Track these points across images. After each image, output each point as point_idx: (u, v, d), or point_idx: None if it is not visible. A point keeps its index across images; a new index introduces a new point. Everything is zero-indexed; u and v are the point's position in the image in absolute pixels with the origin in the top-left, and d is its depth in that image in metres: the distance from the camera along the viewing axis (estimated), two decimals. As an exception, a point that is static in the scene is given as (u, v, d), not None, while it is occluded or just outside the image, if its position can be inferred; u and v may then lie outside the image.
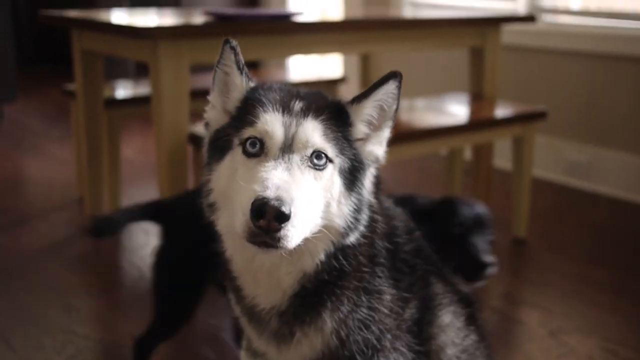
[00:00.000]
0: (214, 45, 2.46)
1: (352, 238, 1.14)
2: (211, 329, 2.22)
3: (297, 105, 1.12)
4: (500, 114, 2.87)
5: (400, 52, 4.44)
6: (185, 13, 2.96)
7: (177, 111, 2.32)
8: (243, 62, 1.20)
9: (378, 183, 1.24)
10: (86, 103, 2.87)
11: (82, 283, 2.58)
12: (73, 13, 2.87)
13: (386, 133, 1.22)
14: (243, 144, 1.10)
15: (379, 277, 1.20)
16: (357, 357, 1.19)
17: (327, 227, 1.11)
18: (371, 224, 1.19)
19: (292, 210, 0.99)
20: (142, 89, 3.30)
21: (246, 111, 1.14)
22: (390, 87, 1.19)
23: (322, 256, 1.14)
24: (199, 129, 2.40)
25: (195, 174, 2.45)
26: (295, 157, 1.07)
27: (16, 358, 2.03)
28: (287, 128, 1.09)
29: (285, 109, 1.11)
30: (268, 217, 0.98)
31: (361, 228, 1.15)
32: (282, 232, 0.99)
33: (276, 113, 1.10)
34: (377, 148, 1.21)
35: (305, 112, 1.11)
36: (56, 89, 4.38)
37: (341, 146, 1.14)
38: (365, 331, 1.18)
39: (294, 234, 1.01)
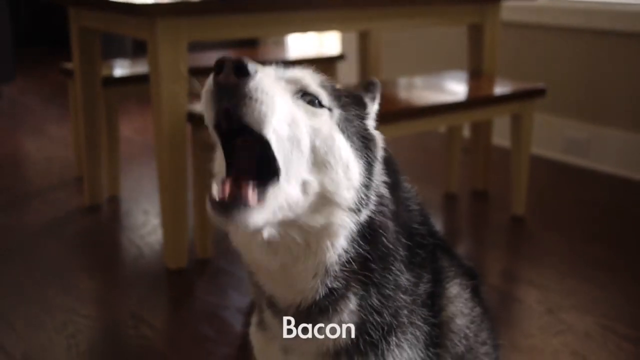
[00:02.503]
0: (213, 22, 2.46)
1: (364, 215, 1.08)
2: (210, 306, 2.23)
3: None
4: (499, 92, 2.86)
5: (399, 30, 4.41)
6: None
7: (176, 90, 2.31)
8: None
9: (393, 164, 1.22)
10: (84, 82, 2.86)
11: (82, 262, 2.59)
12: (69, -9, 2.85)
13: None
14: None
15: (396, 270, 1.17)
16: (375, 334, 1.16)
17: (333, 195, 1.03)
18: (381, 217, 1.14)
19: (256, 70, 0.91)
20: (140, 67, 3.28)
21: None
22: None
23: (342, 241, 1.06)
24: (198, 107, 2.39)
25: (193, 153, 2.45)
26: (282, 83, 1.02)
27: (17, 337, 2.04)
28: (277, 73, 1.05)
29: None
30: (227, 70, 0.89)
31: (371, 205, 1.09)
32: (243, 90, 0.90)
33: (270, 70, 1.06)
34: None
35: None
36: (54, 68, 4.36)
37: (344, 104, 1.09)
38: (383, 314, 1.15)
39: (259, 98, 0.90)
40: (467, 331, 1.28)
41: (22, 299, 2.27)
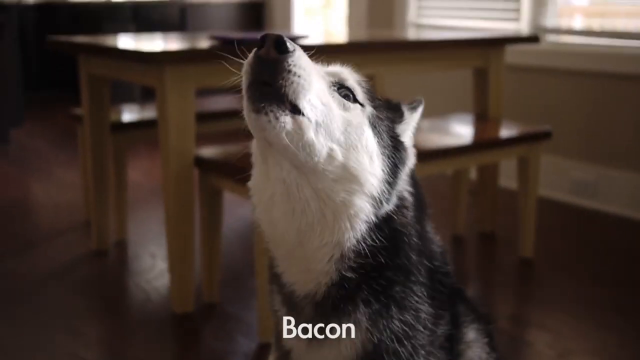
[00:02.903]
0: (220, 69, 2.49)
1: (384, 210, 1.10)
2: (217, 352, 2.21)
3: None
4: (505, 135, 2.87)
5: (404, 74, 4.45)
6: (190, 37, 2.99)
7: (183, 135, 2.33)
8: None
9: (422, 203, 1.23)
10: (93, 127, 2.89)
11: (89, 307, 2.58)
12: (80, 39, 2.90)
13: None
14: None
15: (418, 295, 1.17)
16: None
17: (357, 172, 1.05)
18: (402, 228, 1.14)
19: (294, 48, 0.97)
20: (148, 112, 3.32)
21: None
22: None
23: (361, 225, 1.07)
24: (205, 152, 2.41)
25: (200, 197, 2.46)
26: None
27: (23, 383, 2.03)
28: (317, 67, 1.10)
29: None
30: (267, 45, 0.96)
31: (392, 204, 1.11)
32: (282, 65, 0.96)
33: None
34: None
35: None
36: (63, 113, 4.41)
37: (377, 105, 1.14)
38: (398, 345, 1.13)
39: (297, 72, 0.97)
40: None
41: (28, 344, 2.26)
